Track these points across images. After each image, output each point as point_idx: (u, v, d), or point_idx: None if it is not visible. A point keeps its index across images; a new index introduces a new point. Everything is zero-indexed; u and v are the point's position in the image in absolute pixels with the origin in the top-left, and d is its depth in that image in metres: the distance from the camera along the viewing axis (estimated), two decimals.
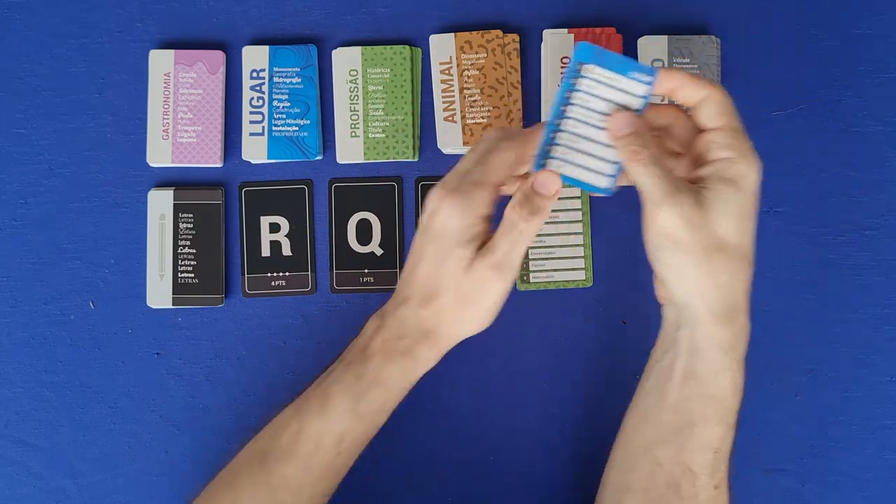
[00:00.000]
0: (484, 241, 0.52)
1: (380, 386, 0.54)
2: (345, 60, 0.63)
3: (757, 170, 0.50)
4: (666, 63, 0.63)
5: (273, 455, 0.53)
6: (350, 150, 0.63)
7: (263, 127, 0.63)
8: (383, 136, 0.63)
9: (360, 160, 0.63)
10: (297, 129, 0.63)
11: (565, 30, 0.64)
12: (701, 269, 0.50)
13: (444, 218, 0.51)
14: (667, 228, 0.50)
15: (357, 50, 0.63)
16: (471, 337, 0.65)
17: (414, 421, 0.63)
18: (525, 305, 0.63)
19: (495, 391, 0.63)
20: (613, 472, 0.56)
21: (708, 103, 0.51)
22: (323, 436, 0.53)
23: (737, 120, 0.51)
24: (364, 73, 0.63)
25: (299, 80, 0.64)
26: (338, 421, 0.53)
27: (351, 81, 0.63)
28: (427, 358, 0.54)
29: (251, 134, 0.63)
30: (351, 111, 0.63)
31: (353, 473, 0.63)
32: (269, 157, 0.63)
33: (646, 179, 0.50)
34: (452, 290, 0.52)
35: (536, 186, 0.52)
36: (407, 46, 0.63)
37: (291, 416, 0.54)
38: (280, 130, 0.63)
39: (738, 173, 0.49)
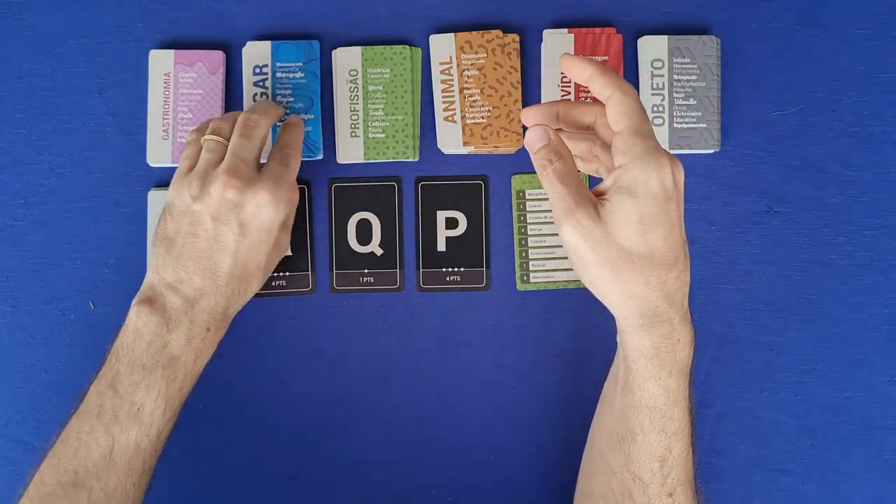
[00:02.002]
0: None
1: (193, 376, 0.54)
2: (345, 60, 0.63)
3: (657, 172, 0.48)
4: (666, 63, 0.63)
5: (88, 474, 0.51)
6: (350, 150, 0.63)
7: None
8: (383, 136, 0.63)
9: (360, 160, 0.63)
10: None
11: (565, 30, 0.64)
12: (609, 282, 0.49)
13: (261, 212, 0.55)
14: (570, 245, 0.50)
15: (357, 50, 0.63)
16: (471, 337, 0.65)
17: (414, 421, 0.63)
18: (525, 305, 0.64)
19: (495, 391, 0.63)
20: (580, 476, 0.57)
21: (610, 104, 0.50)
22: (141, 441, 0.52)
23: (637, 121, 0.49)
24: (364, 73, 0.63)
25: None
26: (154, 424, 0.53)
27: (351, 81, 0.63)
28: (224, 330, 0.56)
29: None
30: (351, 111, 0.63)
31: (354, 474, 0.63)
32: None
33: (551, 195, 0.50)
34: (263, 271, 0.57)
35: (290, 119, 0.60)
36: (407, 46, 0.63)
37: (94, 429, 0.52)
38: None
39: (633, 179, 0.48)
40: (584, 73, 0.51)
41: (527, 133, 0.51)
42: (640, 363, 0.50)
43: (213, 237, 0.54)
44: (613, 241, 0.48)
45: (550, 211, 0.55)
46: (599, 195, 0.50)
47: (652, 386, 0.50)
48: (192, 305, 0.54)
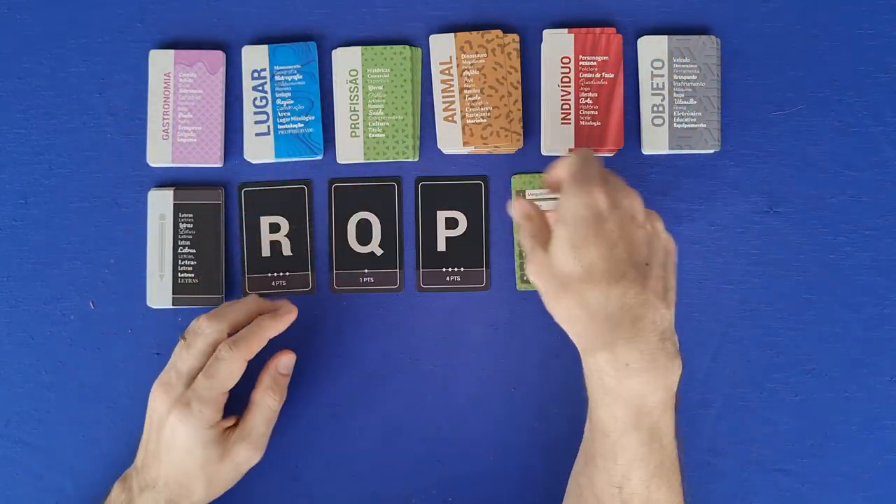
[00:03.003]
0: (225, 427, 0.56)
1: None
2: (345, 60, 0.63)
3: (583, 197, 0.50)
4: (666, 63, 0.63)
5: None
6: (350, 150, 0.63)
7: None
8: (383, 136, 0.63)
9: (360, 160, 0.63)
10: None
11: (565, 30, 0.64)
12: (558, 309, 0.52)
13: (176, 433, 0.55)
14: (535, 283, 0.53)
15: (357, 50, 0.63)
16: (471, 337, 0.65)
17: (414, 421, 0.63)
18: (525, 305, 0.64)
19: (495, 391, 0.63)
20: (565, 493, 0.58)
21: (561, 172, 0.53)
22: None
23: (574, 165, 0.52)
24: (364, 73, 0.63)
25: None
26: None
27: (351, 81, 0.63)
28: None
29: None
30: (351, 111, 0.63)
31: (354, 474, 0.63)
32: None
33: (524, 246, 0.54)
34: (205, 479, 0.56)
35: (280, 368, 0.59)
36: (407, 46, 0.63)
37: None
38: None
39: (563, 210, 0.51)
40: (553, 177, 0.55)
41: (512, 205, 0.56)
42: (593, 388, 0.51)
43: (153, 441, 0.56)
44: (558, 269, 0.51)
45: (550, 210, 0.56)
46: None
47: (600, 412, 0.51)
48: (139, 493, 0.56)
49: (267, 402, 0.58)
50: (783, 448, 0.63)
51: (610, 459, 0.51)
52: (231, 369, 0.55)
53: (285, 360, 0.59)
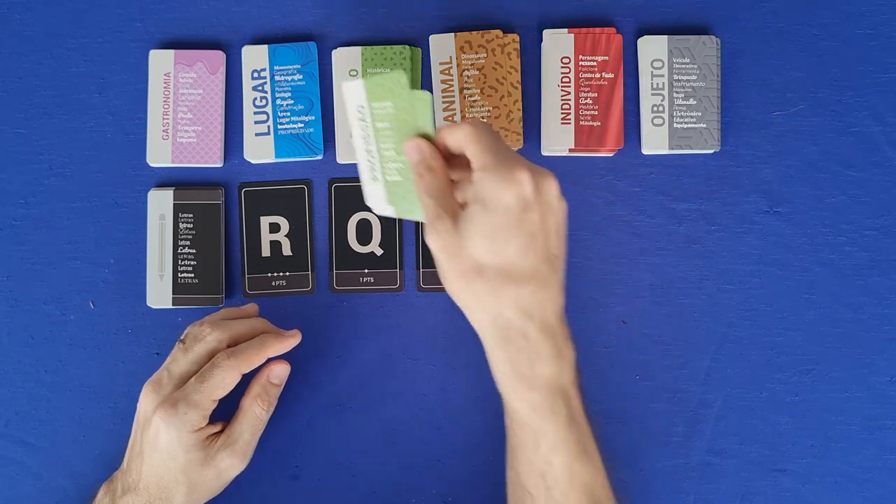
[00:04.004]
0: (210, 433, 0.55)
1: None
2: (345, 60, 0.63)
3: (510, 183, 0.47)
4: (666, 63, 0.63)
5: None
6: (350, 151, 0.63)
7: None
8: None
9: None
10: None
11: (565, 30, 0.64)
12: (465, 294, 0.49)
13: (159, 433, 0.54)
14: (433, 254, 0.50)
15: (357, 50, 0.63)
16: (471, 337, 0.64)
17: (414, 421, 0.63)
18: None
19: (495, 391, 0.63)
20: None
21: (464, 139, 0.49)
22: None
23: (491, 141, 0.49)
24: (364, 74, 0.63)
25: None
26: None
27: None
28: None
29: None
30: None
31: (354, 474, 0.63)
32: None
33: (423, 205, 0.50)
34: (186, 484, 0.55)
35: (272, 378, 0.57)
36: (407, 46, 0.63)
37: None
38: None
39: (486, 192, 0.48)
40: (454, 140, 0.50)
41: (406, 146, 0.51)
42: (501, 379, 0.51)
43: (138, 442, 0.56)
44: (467, 254, 0.48)
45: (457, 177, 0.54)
46: (462, 207, 0.50)
47: (515, 402, 0.51)
48: (121, 496, 0.55)
49: (255, 411, 0.57)
50: (783, 448, 0.63)
51: (531, 448, 0.51)
52: (225, 378, 0.54)
53: (278, 370, 0.58)
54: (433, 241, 0.49)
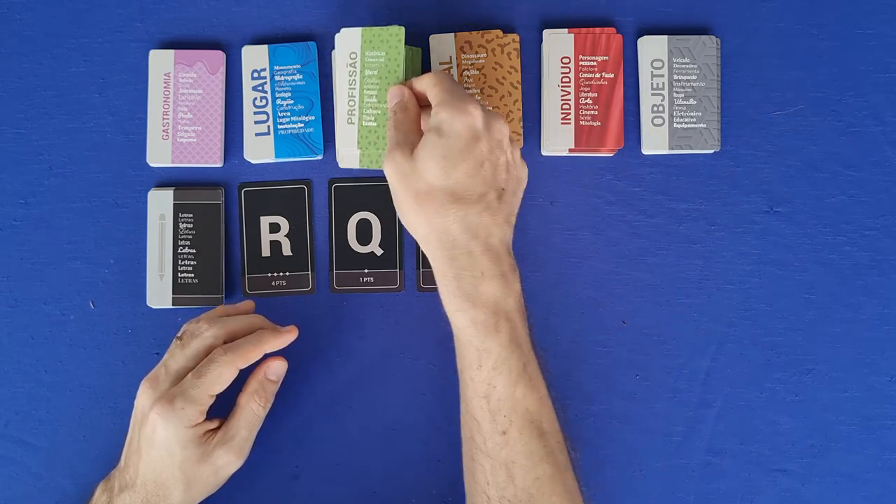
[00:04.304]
0: (207, 430, 0.55)
1: None
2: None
3: (461, 113, 0.52)
4: (666, 63, 0.63)
5: None
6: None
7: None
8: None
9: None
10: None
11: (565, 30, 0.64)
12: (413, 213, 0.54)
13: (156, 429, 0.54)
14: (389, 182, 0.54)
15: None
16: None
17: (414, 421, 0.63)
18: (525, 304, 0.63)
19: None
20: None
21: (427, 83, 0.55)
22: None
23: (449, 83, 0.55)
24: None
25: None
26: None
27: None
28: None
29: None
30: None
31: (354, 474, 0.63)
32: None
33: (388, 138, 0.56)
34: (183, 481, 0.55)
35: (269, 374, 0.57)
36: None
37: None
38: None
39: (441, 120, 0.53)
40: (420, 85, 0.56)
41: (389, 90, 0.57)
42: (445, 295, 0.54)
43: (135, 439, 0.56)
44: (420, 176, 0.53)
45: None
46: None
47: (459, 318, 0.53)
48: (118, 493, 0.55)
49: (252, 407, 0.57)
50: (783, 448, 0.63)
51: (475, 368, 0.53)
52: (221, 373, 0.54)
53: (275, 366, 0.58)
54: (388, 167, 0.54)
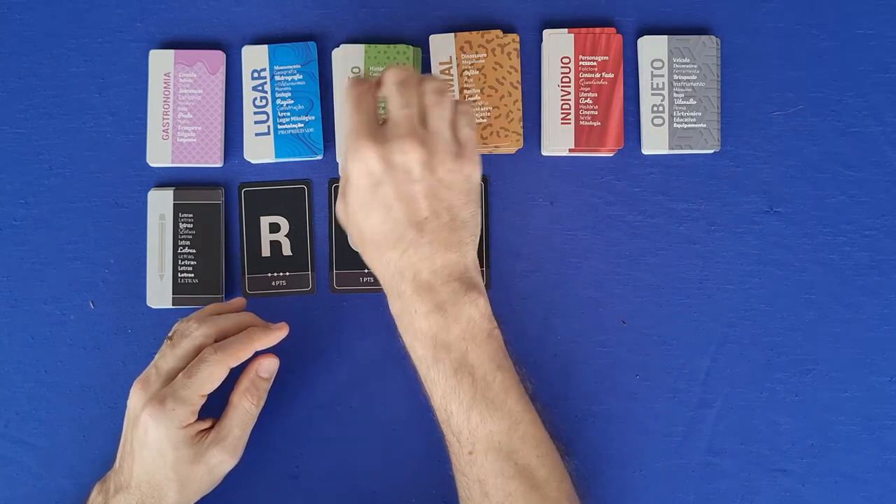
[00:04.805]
0: (199, 430, 0.55)
1: None
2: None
3: (356, 162, 0.52)
4: (666, 63, 0.63)
5: None
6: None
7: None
8: None
9: None
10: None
11: (565, 30, 0.64)
12: (363, 257, 0.56)
13: (148, 430, 0.54)
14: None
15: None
16: None
17: (414, 421, 0.63)
18: (524, 304, 0.63)
19: None
20: None
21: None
22: None
23: (353, 113, 0.53)
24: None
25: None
26: None
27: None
28: None
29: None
30: None
31: (354, 474, 0.63)
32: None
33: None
34: (177, 482, 0.54)
35: (261, 372, 0.57)
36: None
37: None
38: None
39: (343, 168, 0.54)
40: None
41: None
42: (399, 332, 0.55)
43: (129, 440, 0.56)
44: (353, 222, 0.54)
45: None
46: None
47: (410, 353, 0.54)
48: (114, 495, 0.55)
49: (244, 406, 0.57)
50: (783, 448, 0.63)
51: (431, 394, 0.54)
52: (212, 372, 0.54)
53: (267, 364, 0.58)
54: (337, 208, 0.55)
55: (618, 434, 0.63)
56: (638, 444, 0.63)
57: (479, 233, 0.55)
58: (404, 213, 0.52)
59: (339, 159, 0.62)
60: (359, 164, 0.52)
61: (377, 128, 0.52)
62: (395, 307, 0.54)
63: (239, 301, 0.60)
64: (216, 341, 0.56)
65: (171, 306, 0.63)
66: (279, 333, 0.57)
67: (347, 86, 0.55)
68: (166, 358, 0.55)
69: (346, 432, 0.63)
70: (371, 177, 0.52)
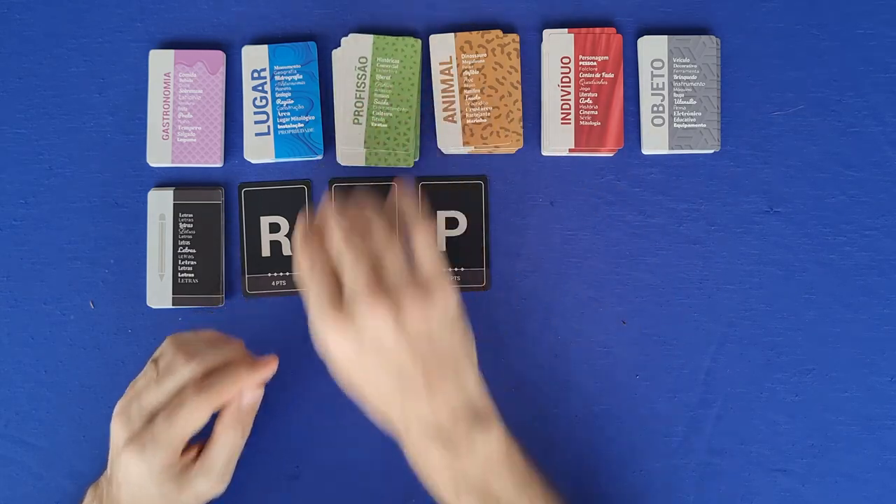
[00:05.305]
0: (185, 462, 0.55)
1: None
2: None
3: (337, 346, 0.51)
4: (666, 63, 0.63)
5: None
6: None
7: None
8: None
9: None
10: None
11: (565, 30, 0.64)
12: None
13: (129, 470, 0.53)
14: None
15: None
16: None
17: None
18: (525, 304, 0.64)
19: (494, 391, 0.63)
20: None
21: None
22: None
23: (307, 297, 0.52)
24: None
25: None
26: None
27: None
28: None
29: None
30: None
31: (354, 474, 0.63)
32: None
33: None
34: None
35: (243, 405, 0.56)
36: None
37: None
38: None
39: (318, 345, 0.52)
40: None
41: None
42: (417, 472, 0.54)
43: (113, 467, 0.55)
44: (347, 390, 0.53)
45: None
46: None
47: (433, 491, 0.53)
48: None
49: (229, 439, 0.55)
50: (783, 448, 0.63)
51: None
52: (193, 416, 0.53)
53: (249, 396, 0.56)
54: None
55: (618, 434, 0.63)
56: (638, 444, 0.63)
57: (473, 350, 0.53)
58: (389, 379, 0.51)
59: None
60: (331, 347, 0.51)
61: (337, 300, 0.50)
62: (409, 453, 0.53)
63: (238, 343, 0.58)
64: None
65: (171, 306, 0.63)
66: (266, 371, 0.56)
67: (296, 243, 0.53)
68: (149, 391, 0.54)
69: (346, 432, 0.63)
70: (346, 357, 0.51)
